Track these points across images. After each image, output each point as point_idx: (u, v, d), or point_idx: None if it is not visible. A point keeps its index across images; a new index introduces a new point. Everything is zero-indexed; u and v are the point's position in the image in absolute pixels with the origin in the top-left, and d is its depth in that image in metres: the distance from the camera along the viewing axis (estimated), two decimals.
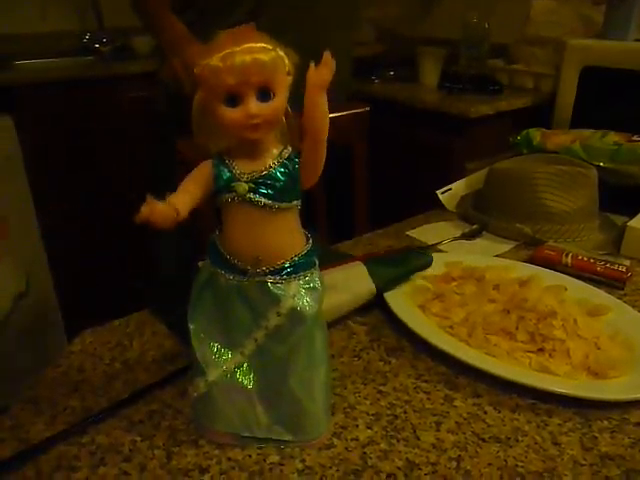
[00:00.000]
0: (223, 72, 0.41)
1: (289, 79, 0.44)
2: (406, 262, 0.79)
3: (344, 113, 1.24)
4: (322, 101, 0.43)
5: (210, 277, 0.49)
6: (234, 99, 0.42)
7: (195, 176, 0.47)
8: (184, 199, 0.45)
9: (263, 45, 0.41)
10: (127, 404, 0.57)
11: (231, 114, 0.43)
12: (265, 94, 0.43)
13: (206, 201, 0.47)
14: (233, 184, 0.45)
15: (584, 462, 0.50)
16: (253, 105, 0.42)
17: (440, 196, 1.12)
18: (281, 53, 0.42)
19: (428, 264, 0.80)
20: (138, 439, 0.53)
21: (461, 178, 1.17)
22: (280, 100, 0.44)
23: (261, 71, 0.41)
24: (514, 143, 1.19)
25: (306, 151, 0.46)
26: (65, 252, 1.89)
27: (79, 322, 0.80)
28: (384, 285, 0.74)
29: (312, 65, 0.42)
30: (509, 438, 0.53)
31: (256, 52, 0.41)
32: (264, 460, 0.50)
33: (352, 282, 0.72)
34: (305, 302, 0.48)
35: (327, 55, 0.41)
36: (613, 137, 1.06)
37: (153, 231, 0.44)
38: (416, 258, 0.81)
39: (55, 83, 1.87)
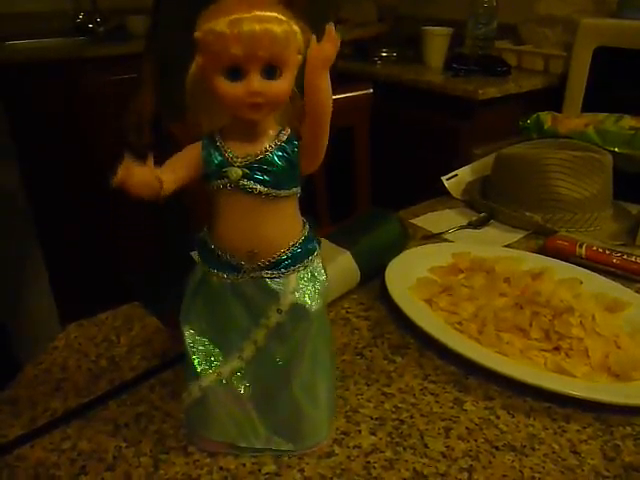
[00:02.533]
0: (228, 40, 0.36)
1: (300, 58, 0.39)
2: (371, 224, 0.77)
3: (345, 95, 1.19)
4: (325, 81, 0.38)
5: (203, 277, 0.44)
6: (236, 72, 0.37)
7: (182, 156, 0.42)
8: (168, 174, 0.40)
9: (276, 15, 0.36)
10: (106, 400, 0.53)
11: (231, 88, 0.38)
12: (271, 71, 0.38)
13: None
14: (225, 169, 0.40)
15: (607, 474, 0.46)
16: (256, 82, 0.37)
17: (445, 182, 1.07)
18: (295, 27, 0.37)
19: (394, 219, 0.80)
20: (123, 445, 0.49)
21: (467, 163, 1.13)
22: (287, 80, 0.39)
23: (271, 44, 0.36)
24: (523, 127, 1.14)
25: (307, 135, 0.41)
26: (54, 237, 1.85)
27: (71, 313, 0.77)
28: (362, 260, 0.71)
29: (314, 40, 0.36)
30: (524, 446, 0.49)
31: (268, 22, 0.36)
32: (259, 470, 0.46)
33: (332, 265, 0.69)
34: (307, 296, 0.43)
35: (330, 28, 0.36)
36: (629, 121, 1.01)
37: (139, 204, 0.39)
38: (379, 217, 0.79)
39: (47, 64, 1.80)
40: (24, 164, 1.75)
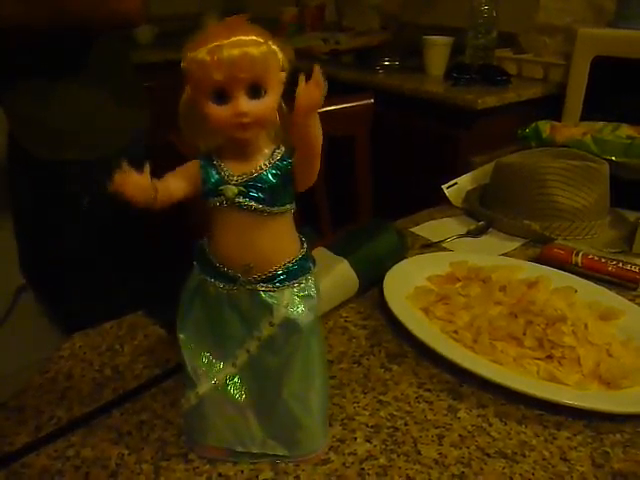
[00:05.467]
0: (210, 67, 0.37)
1: (283, 75, 0.41)
2: (369, 234, 0.79)
3: (347, 105, 1.21)
4: (314, 123, 0.40)
5: (199, 285, 0.46)
6: (222, 96, 0.39)
7: (182, 170, 0.44)
8: (164, 185, 0.43)
9: (254, 38, 0.38)
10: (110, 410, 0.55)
11: (219, 112, 0.40)
12: (256, 91, 0.39)
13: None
14: (221, 187, 0.42)
15: None
16: (242, 103, 0.39)
17: (445, 191, 1.09)
18: (274, 47, 0.39)
19: (391, 229, 0.81)
20: (125, 452, 0.50)
21: (467, 172, 1.14)
22: (272, 98, 0.40)
23: (251, 66, 0.38)
24: (522, 136, 1.15)
25: (298, 163, 0.43)
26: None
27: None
28: (361, 269, 0.73)
29: (302, 82, 0.38)
30: (515, 453, 0.50)
31: (245, 45, 0.38)
32: (257, 477, 0.48)
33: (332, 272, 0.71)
34: (299, 311, 0.45)
35: (316, 71, 0.38)
36: (626, 130, 1.02)
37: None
38: (377, 227, 0.81)
39: None
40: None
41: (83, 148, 1.00)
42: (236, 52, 0.37)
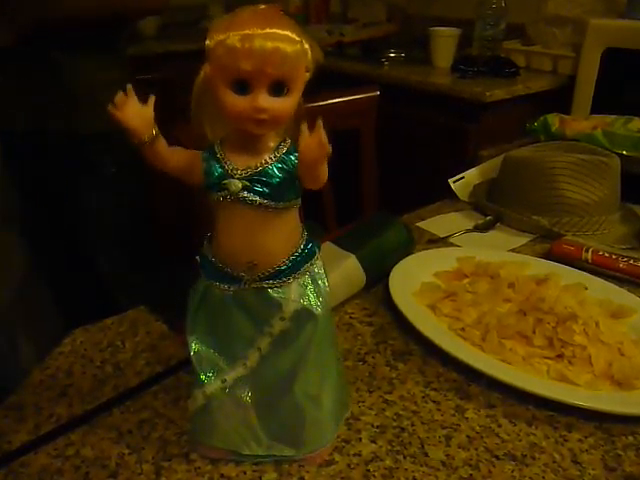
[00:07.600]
0: (239, 54, 0.36)
1: (307, 75, 0.39)
2: (376, 228, 0.78)
3: (352, 97, 1.19)
4: (323, 169, 0.40)
5: (206, 289, 0.45)
6: (243, 86, 0.37)
7: (184, 151, 0.42)
8: (165, 145, 0.41)
9: (288, 34, 0.36)
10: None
11: (237, 102, 0.38)
12: (279, 88, 0.38)
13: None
14: (225, 181, 0.40)
15: None
16: (263, 98, 0.38)
17: (452, 185, 1.07)
18: (306, 46, 0.38)
19: (399, 224, 0.80)
20: (126, 452, 0.49)
21: (475, 166, 1.12)
22: (293, 98, 0.39)
23: (280, 63, 0.36)
24: (531, 129, 1.13)
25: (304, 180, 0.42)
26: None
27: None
28: (367, 264, 0.72)
29: (304, 134, 0.37)
30: (525, 455, 0.49)
31: (280, 40, 0.36)
32: (260, 478, 0.47)
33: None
34: (310, 301, 0.44)
35: (319, 127, 0.36)
36: (637, 123, 1.00)
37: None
38: (383, 221, 0.80)
39: None
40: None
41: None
42: (269, 45, 0.36)
